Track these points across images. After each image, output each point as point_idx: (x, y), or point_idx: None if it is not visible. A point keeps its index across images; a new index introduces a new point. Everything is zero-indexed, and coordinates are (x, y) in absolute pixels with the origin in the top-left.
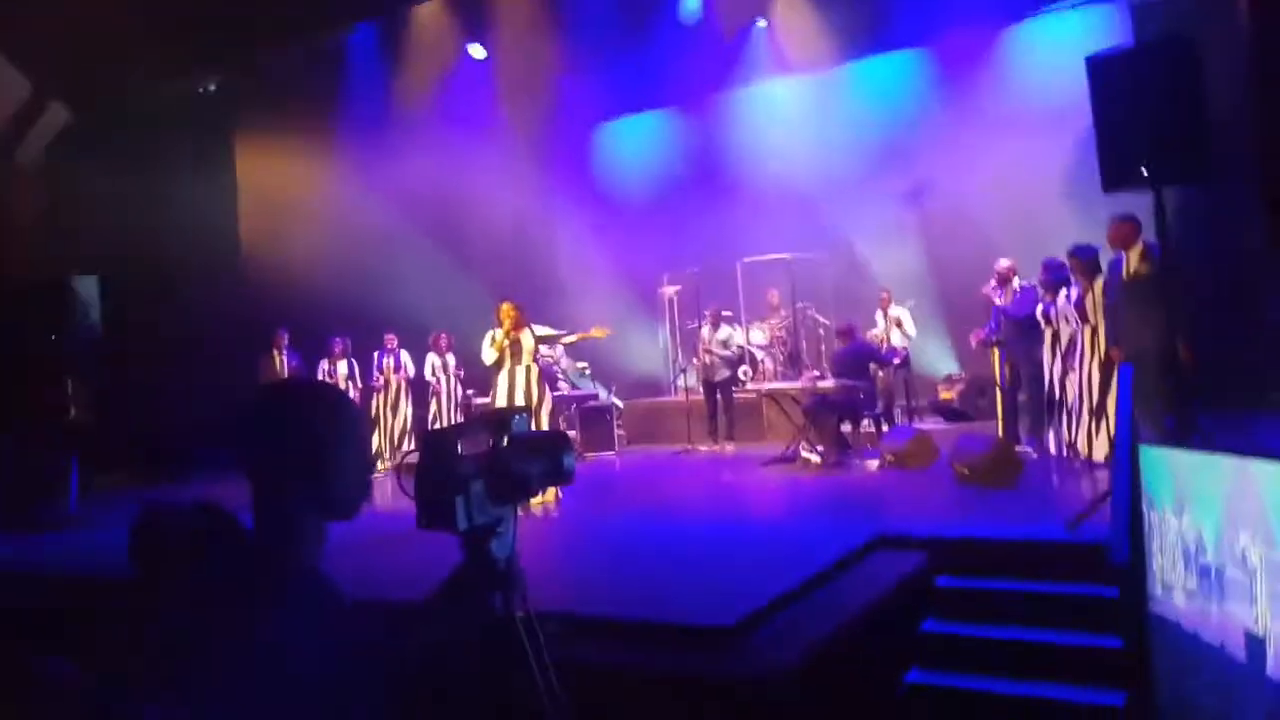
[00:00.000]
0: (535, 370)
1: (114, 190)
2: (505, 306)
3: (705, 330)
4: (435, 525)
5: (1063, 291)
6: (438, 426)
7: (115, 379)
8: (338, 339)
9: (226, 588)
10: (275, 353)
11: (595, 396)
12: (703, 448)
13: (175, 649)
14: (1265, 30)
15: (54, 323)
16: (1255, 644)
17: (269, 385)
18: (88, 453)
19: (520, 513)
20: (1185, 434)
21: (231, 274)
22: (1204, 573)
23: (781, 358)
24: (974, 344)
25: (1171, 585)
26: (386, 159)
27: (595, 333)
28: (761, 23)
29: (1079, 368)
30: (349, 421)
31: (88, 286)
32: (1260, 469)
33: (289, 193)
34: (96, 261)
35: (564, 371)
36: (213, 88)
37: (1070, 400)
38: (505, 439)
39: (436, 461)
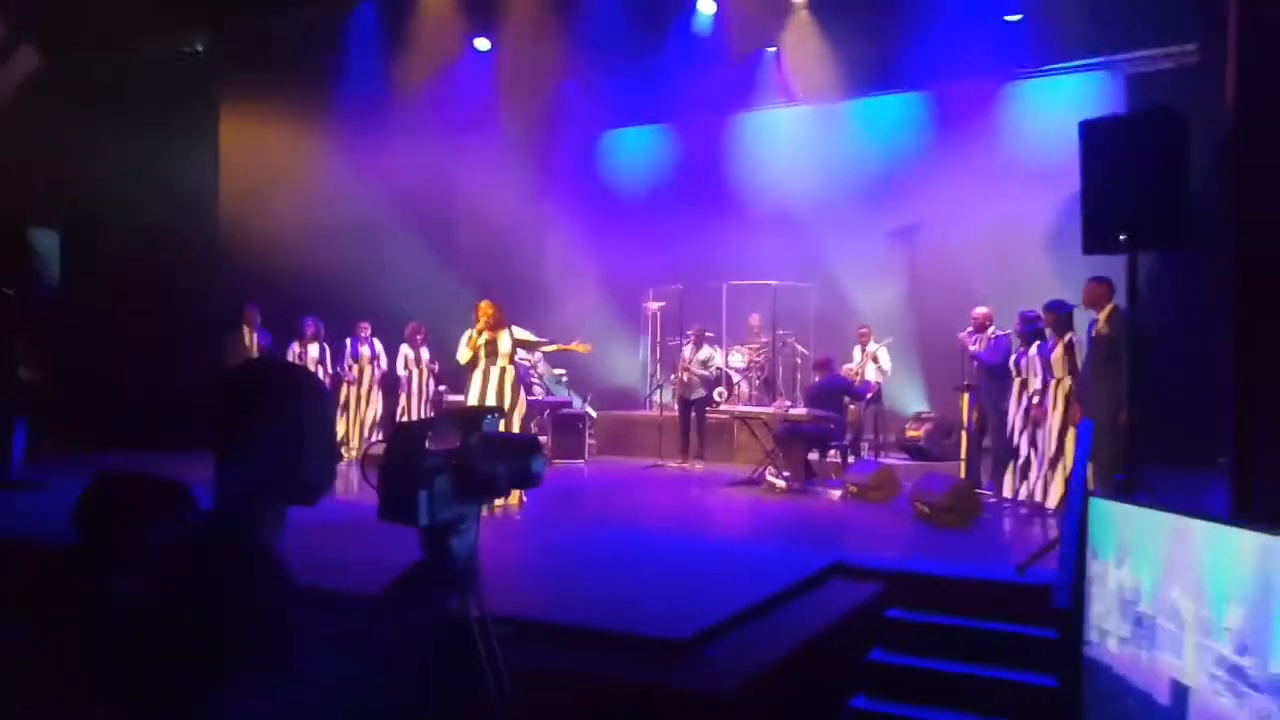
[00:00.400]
0: (511, 372)
1: (86, 144)
2: (484, 305)
3: (687, 349)
4: (396, 518)
5: (1035, 344)
6: (406, 419)
7: (73, 340)
8: (310, 320)
9: (176, 562)
10: (246, 329)
11: (569, 404)
12: (672, 463)
13: (121, 621)
14: (1249, 105)
15: (7, 275)
16: (1180, 691)
17: (243, 362)
18: (37, 414)
19: (489, 513)
20: (1133, 490)
21: (206, 243)
22: (1138, 621)
23: (757, 382)
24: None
25: (1107, 631)
26: (377, 142)
27: (577, 347)
28: (771, 49)
29: (1042, 419)
30: (321, 406)
31: (47, 241)
32: (1198, 527)
33: (273, 166)
34: (62, 217)
35: (540, 377)
36: (199, 49)
37: (1031, 449)
38: (475, 437)
39: (403, 454)
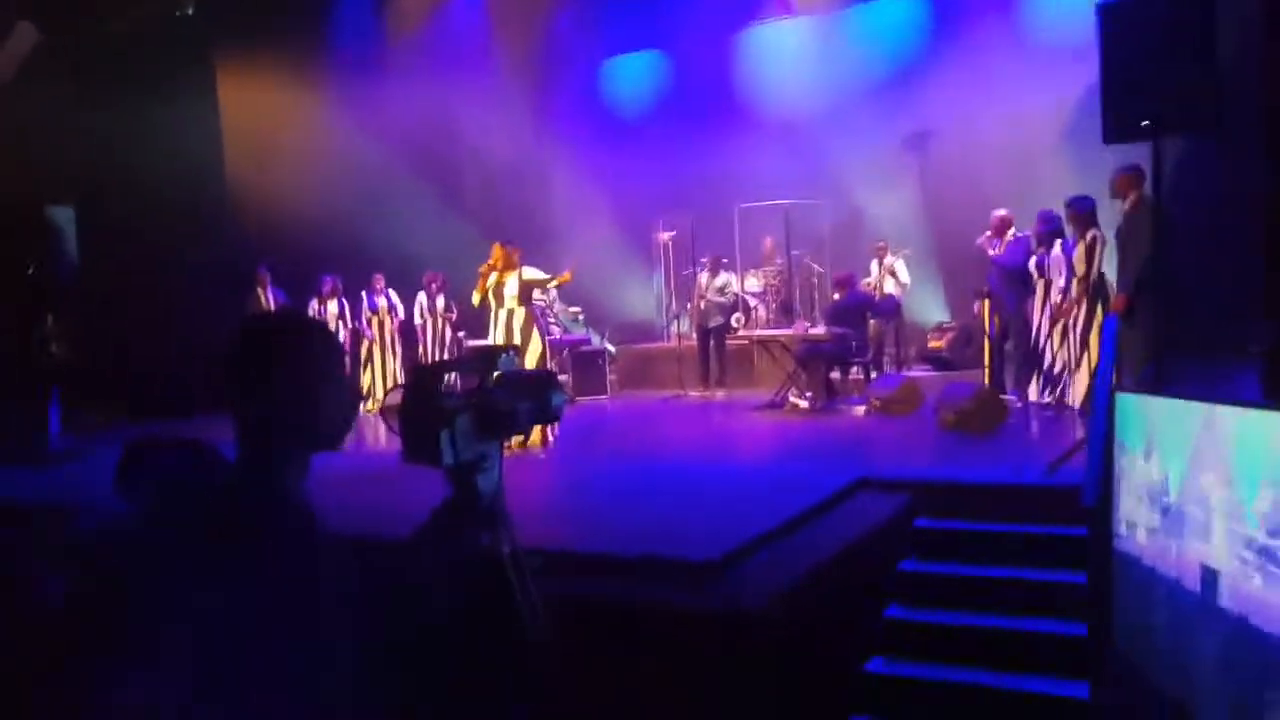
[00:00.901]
0: (521, 314)
1: (89, 117)
2: (495, 247)
3: (704, 277)
4: (420, 459)
5: (1057, 243)
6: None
7: (95, 314)
8: (328, 277)
9: (210, 521)
10: (259, 290)
11: (588, 341)
12: (694, 393)
13: (161, 583)
14: None
15: (30, 254)
16: (1210, 576)
17: (253, 316)
18: (70, 389)
19: (514, 452)
20: (1160, 382)
21: (215, 206)
22: (1166, 511)
23: (775, 305)
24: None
25: (1135, 524)
26: (377, 91)
27: (565, 278)
28: None
29: (1066, 318)
30: (332, 351)
31: (63, 217)
32: (1227, 413)
33: (274, 123)
34: (72, 191)
35: (556, 316)
36: (190, 11)
37: (1055, 350)
38: (492, 376)
39: (422, 396)
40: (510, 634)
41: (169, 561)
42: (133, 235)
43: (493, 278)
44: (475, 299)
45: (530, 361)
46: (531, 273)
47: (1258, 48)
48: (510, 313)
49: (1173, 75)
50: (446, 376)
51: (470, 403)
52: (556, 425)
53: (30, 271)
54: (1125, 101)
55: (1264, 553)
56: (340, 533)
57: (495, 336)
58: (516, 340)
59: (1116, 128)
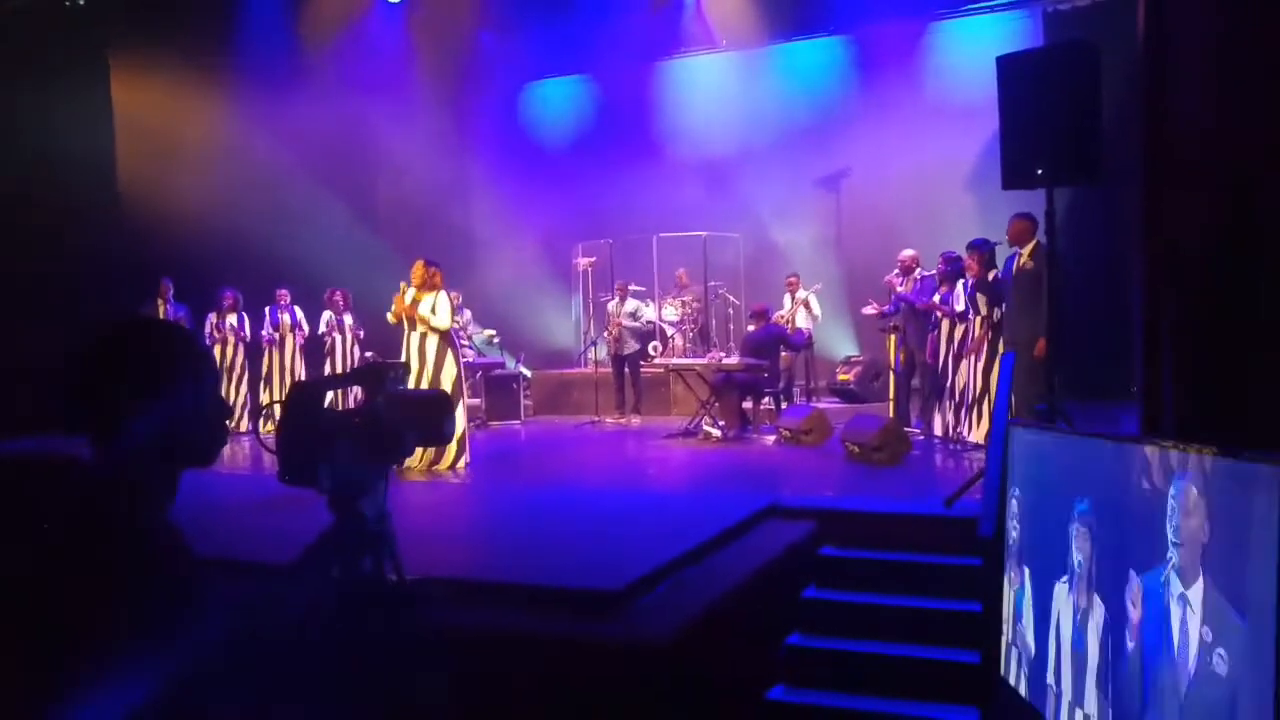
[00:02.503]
0: (434, 337)
1: None
2: (417, 264)
3: (613, 304)
4: (298, 481)
5: (959, 282)
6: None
7: None
8: (228, 291)
9: (65, 541)
10: (159, 303)
11: (502, 365)
12: (609, 420)
13: (14, 610)
14: (1158, 40)
15: None
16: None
17: (110, 322)
18: None
19: (424, 475)
20: (1052, 419)
21: (107, 214)
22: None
23: (691, 334)
24: (880, 304)
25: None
26: (287, 99)
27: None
28: None
29: (968, 356)
30: (197, 358)
31: None
32: (1103, 448)
33: (173, 127)
34: None
35: (470, 339)
36: (82, 1)
37: (958, 386)
38: (380, 396)
39: (301, 414)
40: (395, 667)
41: (21, 587)
42: (12, 242)
43: (409, 295)
44: (391, 317)
45: (445, 385)
46: (444, 304)
47: (1140, 101)
48: (424, 334)
49: (1062, 128)
50: (332, 394)
51: (354, 423)
52: (467, 450)
53: None
54: (1020, 149)
55: None
56: (221, 557)
57: (409, 357)
58: (430, 363)
59: (1013, 175)
